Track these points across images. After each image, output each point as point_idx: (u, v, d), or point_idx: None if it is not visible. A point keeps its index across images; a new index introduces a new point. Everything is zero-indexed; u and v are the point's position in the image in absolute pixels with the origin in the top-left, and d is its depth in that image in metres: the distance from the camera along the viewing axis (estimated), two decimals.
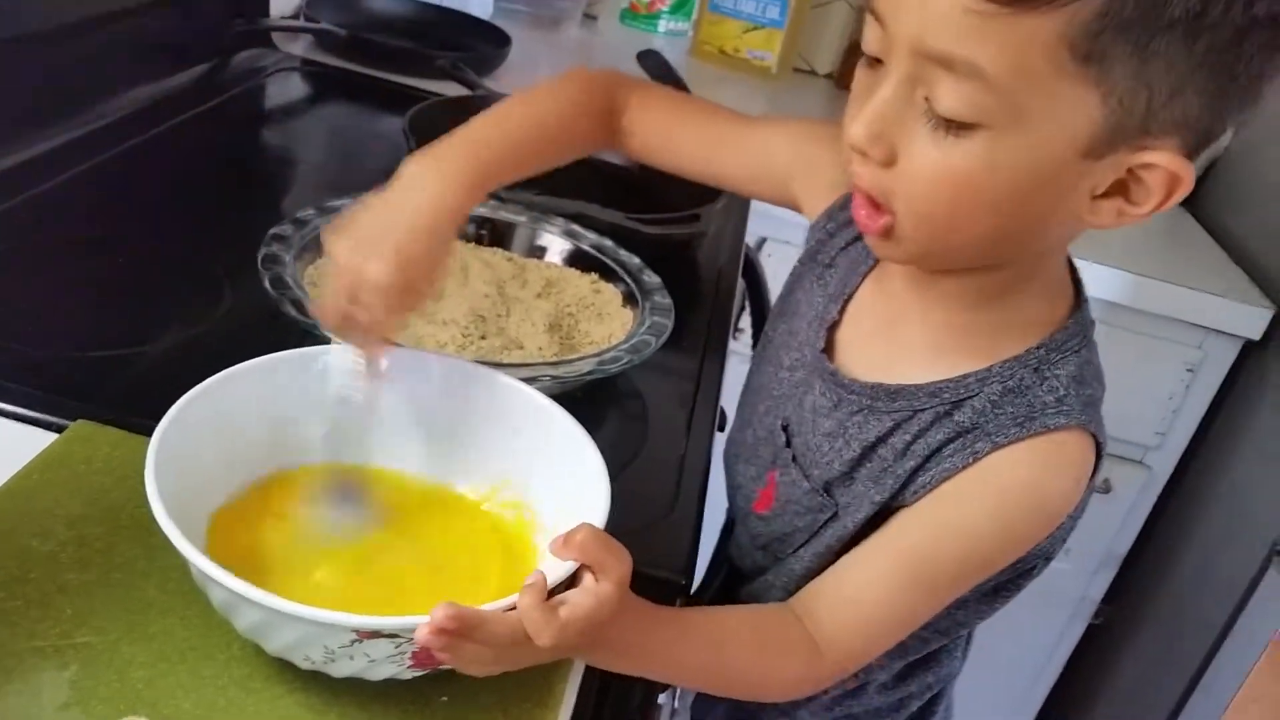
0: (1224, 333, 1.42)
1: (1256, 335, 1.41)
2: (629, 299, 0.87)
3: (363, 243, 0.60)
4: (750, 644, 0.62)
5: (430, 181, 0.63)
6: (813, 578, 0.67)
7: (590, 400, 0.78)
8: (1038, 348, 0.61)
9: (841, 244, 0.72)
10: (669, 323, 0.82)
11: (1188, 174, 0.53)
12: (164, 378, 0.58)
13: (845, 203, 0.72)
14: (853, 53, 1.84)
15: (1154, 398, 1.47)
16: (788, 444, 0.70)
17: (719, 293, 1.06)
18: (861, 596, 0.62)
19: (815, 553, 0.68)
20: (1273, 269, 1.46)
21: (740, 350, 1.19)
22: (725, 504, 0.82)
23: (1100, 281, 1.34)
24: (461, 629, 0.47)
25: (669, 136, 0.78)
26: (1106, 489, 1.53)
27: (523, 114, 0.71)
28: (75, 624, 0.52)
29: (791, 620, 0.62)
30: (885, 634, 0.63)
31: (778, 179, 0.77)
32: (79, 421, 0.64)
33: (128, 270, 0.86)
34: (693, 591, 0.72)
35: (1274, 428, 1.41)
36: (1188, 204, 1.66)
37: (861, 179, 0.58)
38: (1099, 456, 0.61)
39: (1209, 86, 0.51)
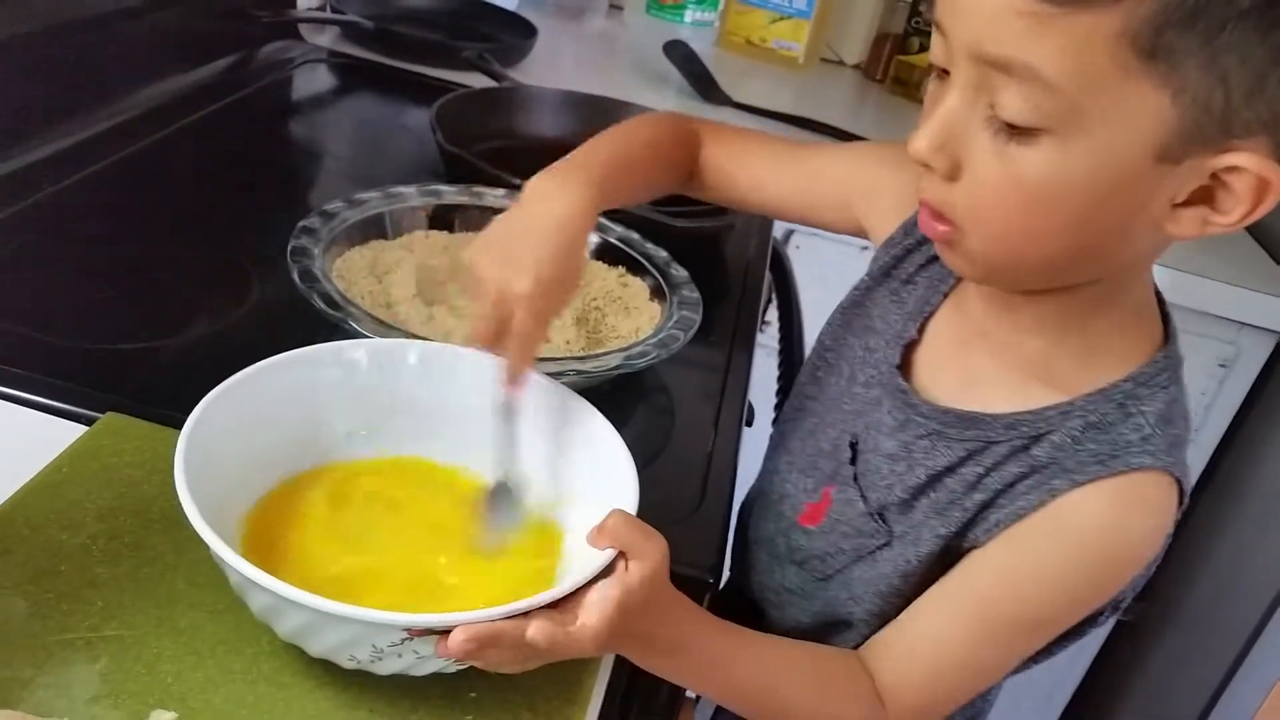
0: (1258, 327, 1.40)
1: None
2: (656, 292, 0.86)
3: (507, 259, 0.60)
4: (812, 682, 0.61)
5: (560, 198, 0.63)
6: (860, 609, 0.66)
7: (617, 394, 0.78)
8: (1124, 381, 0.58)
9: (921, 261, 0.70)
10: (697, 317, 0.82)
11: (1277, 177, 0.50)
12: (194, 370, 0.58)
13: None
14: (880, 43, 1.82)
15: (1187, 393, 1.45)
16: (852, 461, 0.68)
17: (747, 286, 1.06)
18: (929, 650, 0.61)
19: (865, 581, 0.66)
20: None
21: (766, 343, 1.19)
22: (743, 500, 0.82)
23: None
24: (483, 644, 0.47)
25: (736, 163, 0.79)
26: None
27: (623, 142, 0.72)
28: (105, 617, 0.52)
29: (859, 668, 0.61)
30: (955, 690, 0.62)
31: (838, 197, 0.76)
32: (109, 414, 0.65)
33: (157, 262, 0.86)
34: None
35: None
36: None
37: (926, 193, 0.56)
38: (1181, 501, 0.58)
39: None
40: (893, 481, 0.65)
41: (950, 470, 0.62)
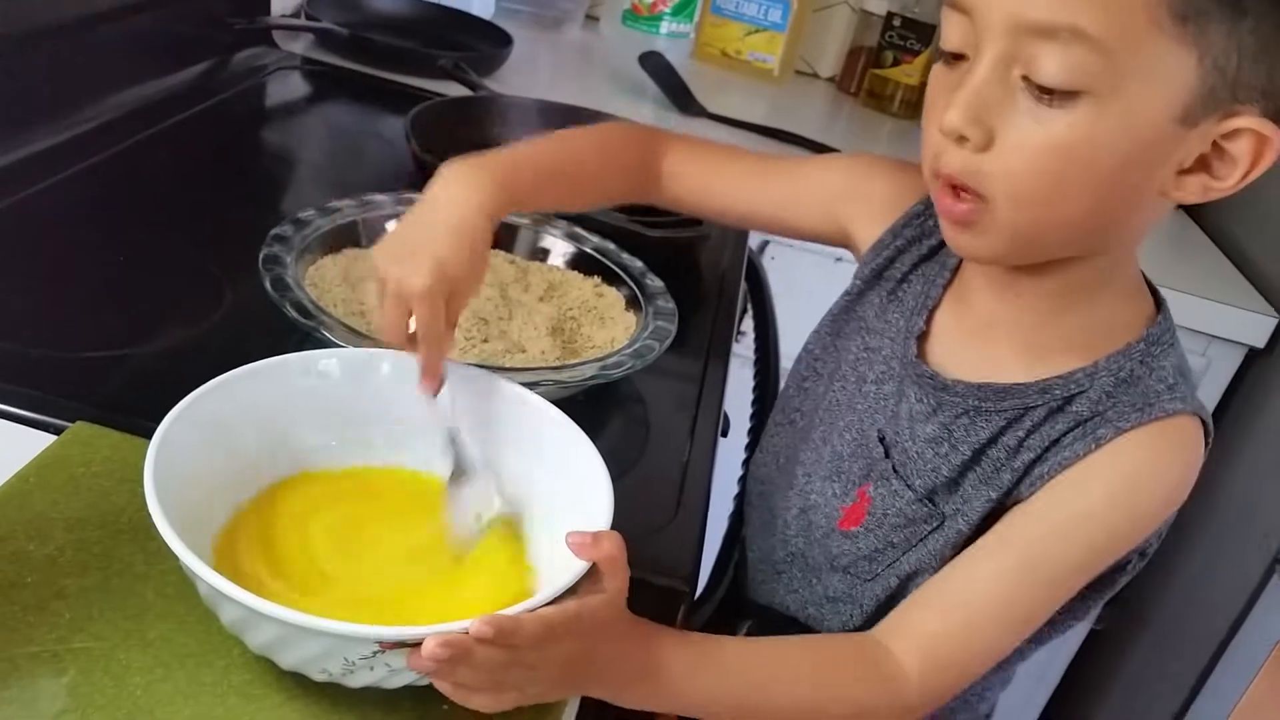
0: (1228, 340, 1.41)
1: (1260, 343, 1.41)
2: (632, 303, 0.86)
3: (404, 255, 0.61)
4: (807, 674, 0.61)
5: (461, 190, 0.64)
6: (910, 585, 0.67)
7: (593, 404, 0.78)
8: (1138, 342, 0.63)
9: (914, 260, 0.72)
10: (672, 327, 0.82)
11: (1276, 136, 0.54)
12: (164, 378, 0.58)
13: (909, 220, 0.73)
14: (854, 56, 1.83)
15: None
16: (886, 455, 0.69)
17: (722, 296, 1.06)
18: (971, 595, 0.61)
19: (918, 560, 0.66)
20: (1277, 277, 1.46)
21: (742, 353, 1.19)
22: (728, 511, 0.82)
23: None
24: (455, 654, 0.46)
25: (708, 180, 0.80)
26: None
27: (558, 147, 0.74)
28: (73, 629, 0.51)
29: (866, 648, 0.61)
30: (990, 643, 0.62)
31: (818, 206, 0.78)
32: (78, 423, 0.64)
33: (127, 270, 0.85)
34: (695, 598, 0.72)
35: (1277, 435, 1.41)
36: (1192, 212, 1.65)
37: (954, 165, 0.58)
38: (1207, 442, 0.63)
39: None
40: (938, 464, 0.66)
41: (993, 441, 0.64)
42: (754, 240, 1.25)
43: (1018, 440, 0.64)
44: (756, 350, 1.20)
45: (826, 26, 1.88)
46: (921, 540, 0.67)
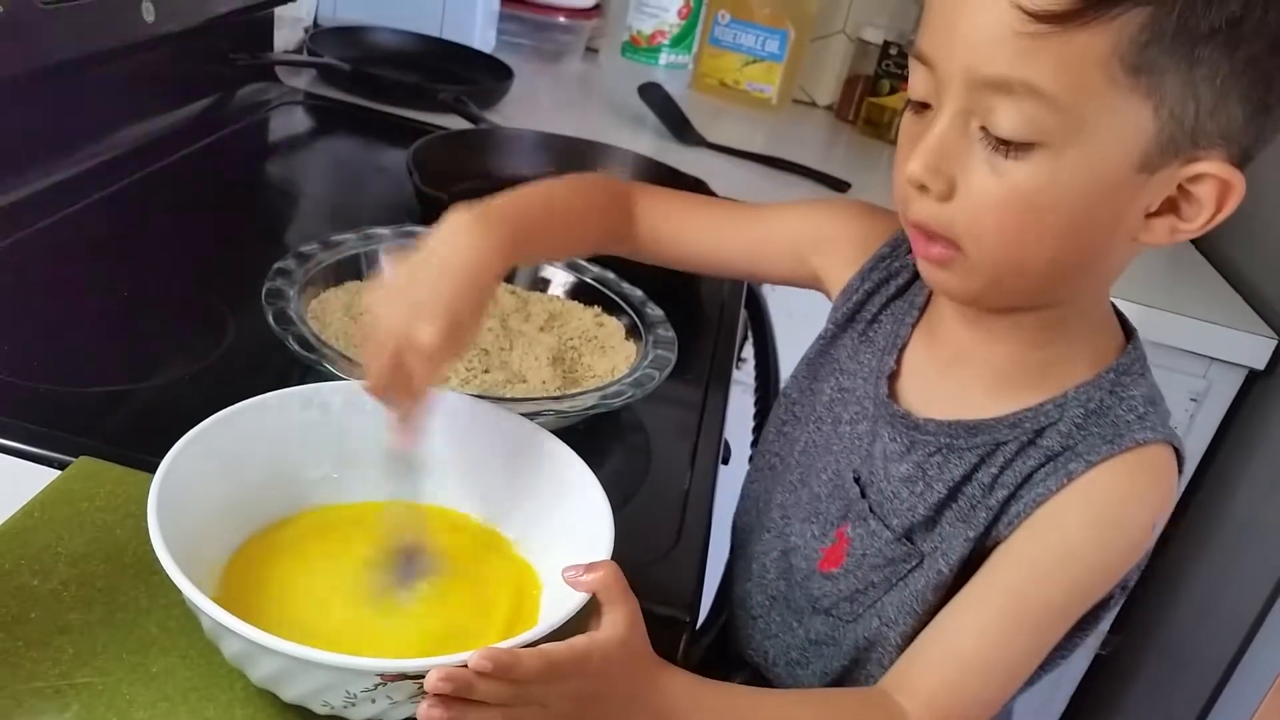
0: (1228, 362, 1.42)
1: (1260, 365, 1.41)
2: (632, 332, 0.87)
3: (409, 305, 0.57)
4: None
5: (468, 241, 0.61)
6: (894, 632, 0.66)
7: (593, 433, 0.78)
8: (1108, 371, 0.63)
9: (883, 300, 0.73)
10: (672, 356, 0.82)
11: (1238, 182, 0.55)
12: (168, 413, 0.58)
13: (876, 263, 0.74)
14: (852, 85, 1.85)
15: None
16: (863, 495, 0.69)
17: (722, 325, 1.06)
18: (962, 648, 0.61)
19: (898, 604, 0.66)
20: (1276, 299, 1.46)
21: (743, 380, 1.19)
22: (726, 541, 0.82)
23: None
24: (456, 691, 0.46)
25: (678, 228, 0.80)
26: None
27: (544, 198, 0.71)
28: (76, 664, 0.51)
29: (875, 703, 0.61)
30: (989, 691, 0.62)
31: (788, 253, 0.79)
32: (82, 458, 0.64)
33: (131, 304, 0.86)
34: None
35: (1279, 457, 1.41)
36: None
37: (917, 213, 0.59)
38: (1180, 466, 0.63)
39: (1251, 95, 0.52)
40: (914, 503, 0.66)
41: (967, 478, 0.65)
42: None
43: (991, 477, 0.64)
44: (757, 377, 1.20)
45: (824, 56, 1.89)
46: (902, 580, 0.67)
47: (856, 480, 0.70)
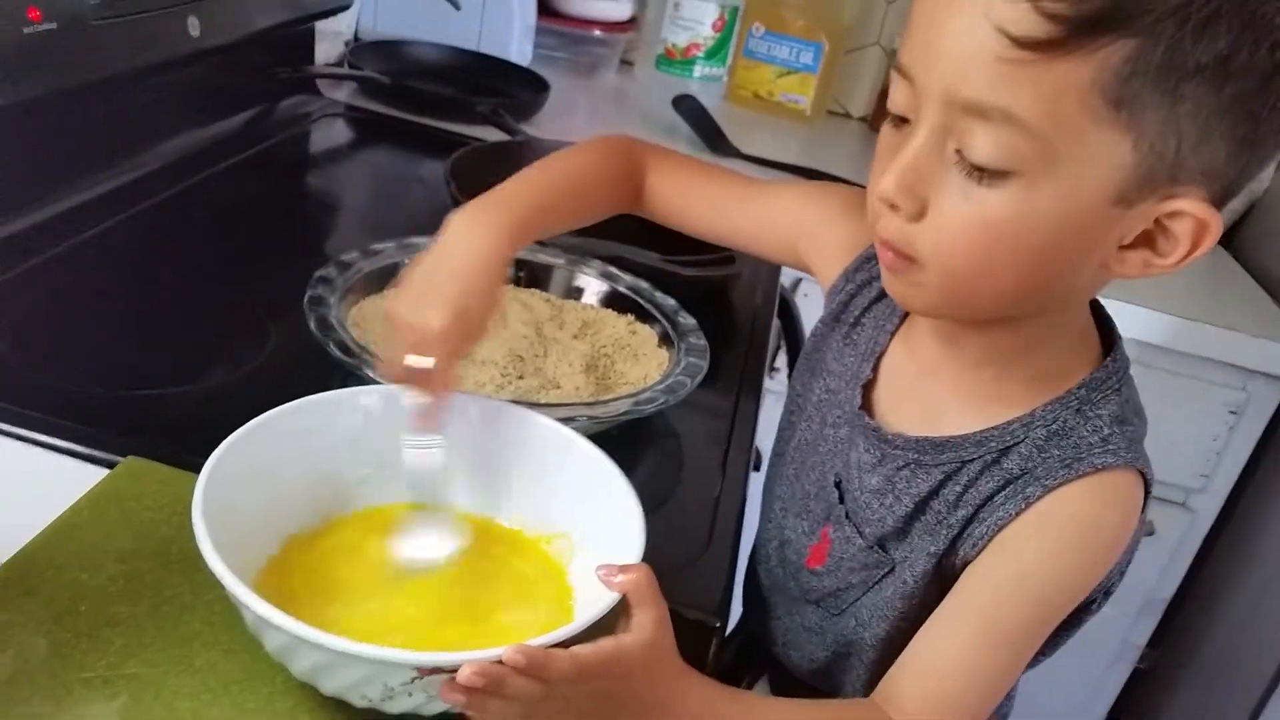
0: (1268, 374, 1.40)
1: None
2: (665, 340, 0.88)
3: (419, 297, 0.62)
4: None
5: (472, 233, 0.65)
6: (868, 632, 0.68)
7: (626, 439, 0.79)
8: (1078, 388, 0.62)
9: (865, 303, 0.73)
10: (704, 364, 0.83)
11: (1215, 222, 0.53)
12: (212, 416, 0.60)
13: (861, 264, 0.73)
14: (885, 96, 1.85)
15: (1197, 440, 1.45)
16: (841, 500, 0.70)
17: (754, 333, 1.07)
18: (940, 668, 0.61)
19: (871, 608, 0.68)
20: None
21: (776, 389, 1.20)
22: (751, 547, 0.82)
23: (1141, 324, 1.33)
24: (489, 683, 0.47)
25: (686, 199, 0.81)
26: (1150, 531, 1.51)
27: (555, 173, 0.74)
28: (124, 656, 0.53)
29: (876, 713, 0.61)
30: (971, 705, 0.62)
31: (784, 240, 0.79)
32: (129, 458, 0.66)
33: (177, 311, 0.88)
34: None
35: None
36: (1228, 244, 1.65)
37: (885, 231, 0.58)
38: (1148, 492, 0.62)
39: (1235, 133, 0.50)
40: (884, 514, 0.67)
41: (933, 494, 0.65)
42: (787, 278, 1.27)
43: (956, 495, 0.63)
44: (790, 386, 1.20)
45: (858, 67, 1.90)
46: (876, 584, 0.67)
47: (837, 484, 0.71)
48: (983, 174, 0.53)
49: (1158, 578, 1.56)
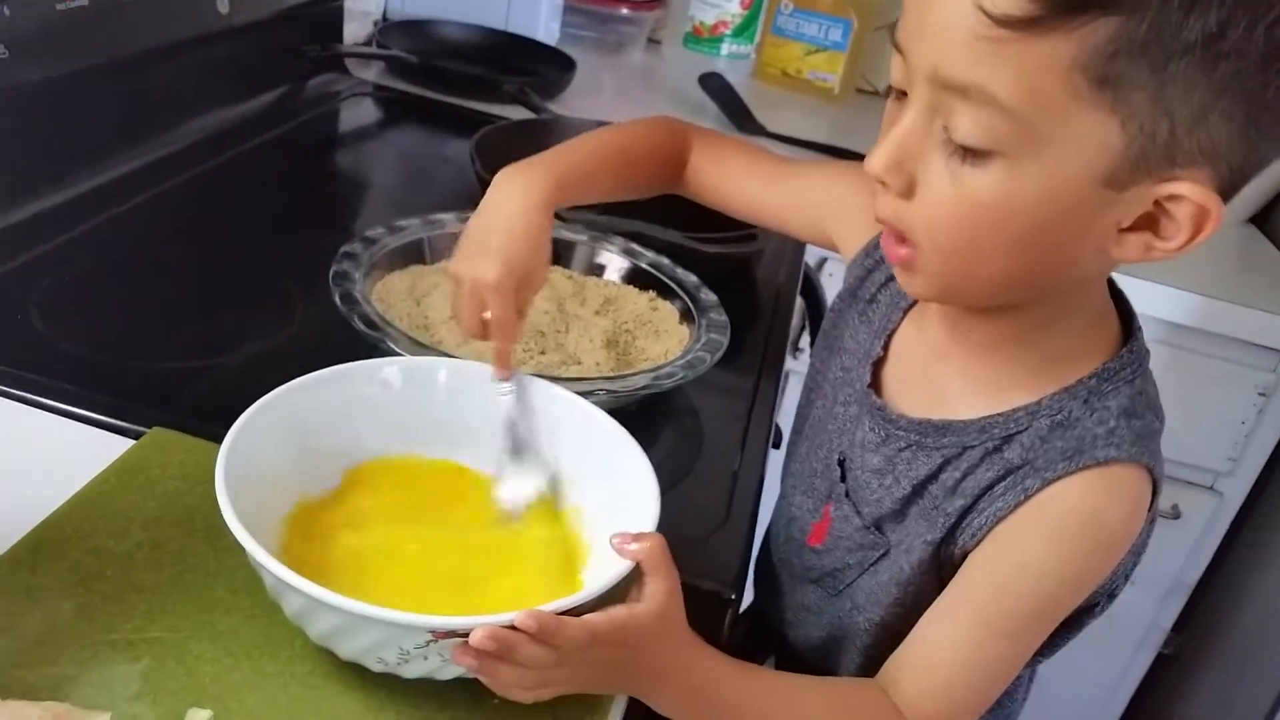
0: None
1: None
2: (686, 316, 0.88)
3: (473, 255, 0.67)
4: (834, 714, 0.62)
5: (515, 189, 0.69)
6: (862, 616, 0.68)
7: (647, 415, 0.80)
8: (1089, 378, 0.60)
9: (881, 280, 0.73)
10: (724, 340, 0.83)
11: (1216, 207, 0.51)
12: (237, 389, 0.60)
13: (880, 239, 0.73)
14: None
15: (1225, 422, 1.44)
16: (843, 478, 0.70)
17: (776, 311, 1.07)
18: (938, 660, 0.61)
19: (867, 591, 0.68)
20: None
21: (800, 369, 1.20)
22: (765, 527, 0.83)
23: (1169, 303, 1.32)
24: (500, 648, 0.48)
25: (722, 177, 0.83)
26: (1175, 515, 1.50)
27: (600, 143, 0.78)
28: (148, 620, 0.54)
29: (882, 700, 0.62)
30: (970, 696, 0.62)
31: (812, 218, 0.80)
32: (155, 429, 0.67)
33: (204, 286, 0.90)
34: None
35: None
36: (1260, 223, 1.62)
37: (882, 209, 0.58)
38: (1156, 490, 0.60)
39: (1236, 113, 0.49)
40: (882, 495, 0.66)
41: (931, 478, 0.64)
42: (813, 257, 1.27)
43: (955, 481, 0.62)
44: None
45: (887, 45, 1.86)
46: (872, 566, 0.67)
47: (840, 462, 0.71)
48: (967, 153, 0.52)
49: (1184, 561, 1.55)
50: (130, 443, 0.67)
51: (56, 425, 0.68)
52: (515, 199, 0.68)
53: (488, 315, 0.65)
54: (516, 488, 0.64)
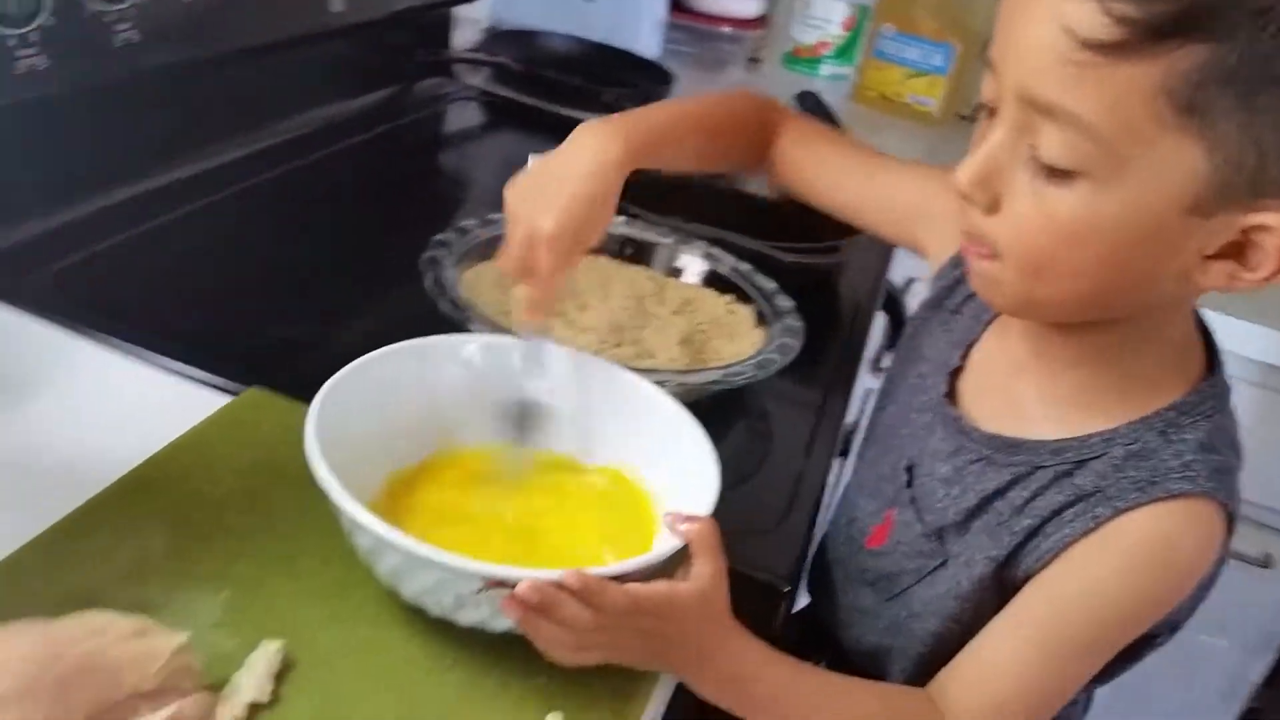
0: None
1: None
2: (761, 320, 0.90)
3: (535, 197, 0.66)
4: (882, 716, 0.62)
5: (593, 142, 0.68)
6: (918, 625, 0.68)
7: (718, 413, 0.81)
8: (1167, 409, 0.60)
9: (967, 291, 0.73)
10: (797, 344, 0.85)
11: None
12: (330, 359, 0.64)
13: None
14: None
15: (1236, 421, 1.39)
16: (909, 484, 0.71)
17: (855, 325, 1.08)
18: (991, 678, 0.61)
19: (924, 600, 0.68)
20: None
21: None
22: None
23: (1261, 343, 1.28)
24: (542, 604, 0.50)
25: (814, 165, 0.82)
26: (1267, 564, 1.45)
27: (687, 108, 0.77)
28: (233, 557, 0.59)
29: (929, 708, 0.62)
30: (1024, 713, 0.61)
31: (903, 219, 0.80)
32: (253, 388, 0.72)
33: (307, 266, 0.95)
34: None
35: None
36: None
37: (965, 224, 0.59)
38: (1231, 527, 0.59)
39: None
40: (948, 504, 0.67)
41: (999, 494, 0.64)
42: (899, 276, 1.27)
43: (1023, 500, 0.62)
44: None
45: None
46: (930, 575, 0.67)
47: (909, 468, 0.71)
48: (1052, 173, 0.53)
49: (1276, 613, 1.50)
50: (229, 399, 0.71)
51: (164, 381, 0.74)
52: (588, 155, 0.67)
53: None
54: (528, 439, 0.66)
